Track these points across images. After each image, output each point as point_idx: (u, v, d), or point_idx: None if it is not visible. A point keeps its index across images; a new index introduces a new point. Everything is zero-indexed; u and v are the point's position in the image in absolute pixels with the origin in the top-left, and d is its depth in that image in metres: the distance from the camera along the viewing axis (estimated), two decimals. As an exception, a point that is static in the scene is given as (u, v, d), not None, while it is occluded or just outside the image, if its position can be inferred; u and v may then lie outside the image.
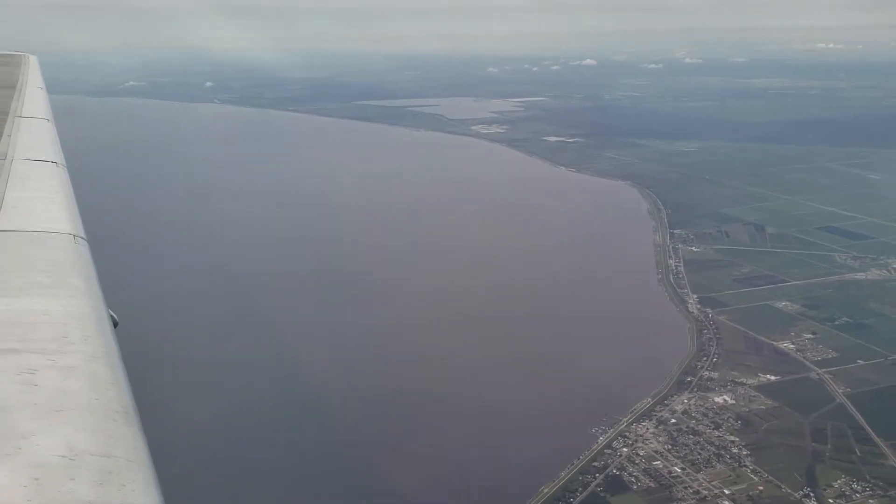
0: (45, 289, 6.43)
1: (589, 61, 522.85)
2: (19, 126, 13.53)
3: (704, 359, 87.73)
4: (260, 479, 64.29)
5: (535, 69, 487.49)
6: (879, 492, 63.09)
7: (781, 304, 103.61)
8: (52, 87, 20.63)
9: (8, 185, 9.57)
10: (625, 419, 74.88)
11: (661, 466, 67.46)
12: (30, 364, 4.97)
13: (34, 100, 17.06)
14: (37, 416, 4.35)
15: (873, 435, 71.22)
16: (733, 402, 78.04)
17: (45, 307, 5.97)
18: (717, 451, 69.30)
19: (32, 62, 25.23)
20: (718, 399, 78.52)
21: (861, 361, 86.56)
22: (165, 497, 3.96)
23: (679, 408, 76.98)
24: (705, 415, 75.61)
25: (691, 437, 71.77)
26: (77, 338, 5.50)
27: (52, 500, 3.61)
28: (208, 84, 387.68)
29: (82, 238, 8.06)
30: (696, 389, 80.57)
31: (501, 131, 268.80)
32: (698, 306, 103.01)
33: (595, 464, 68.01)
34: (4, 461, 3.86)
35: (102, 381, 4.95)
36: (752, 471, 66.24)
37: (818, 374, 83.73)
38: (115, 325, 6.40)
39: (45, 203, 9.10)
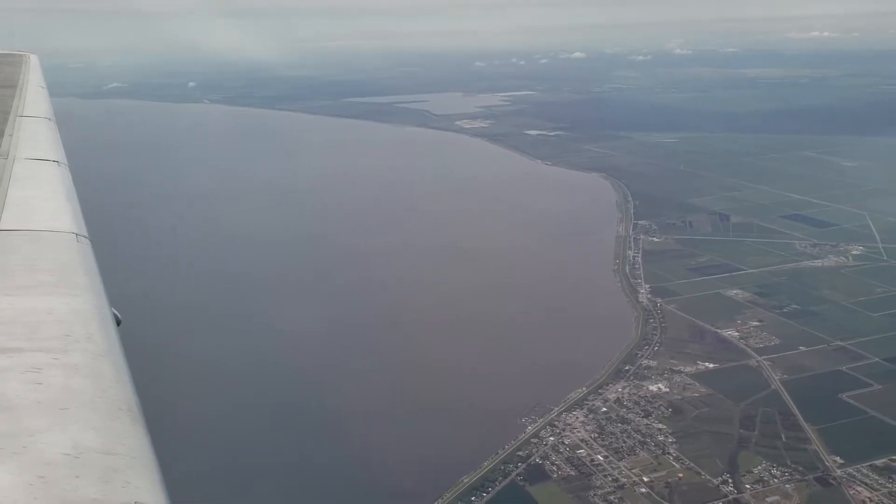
0: (49, 287, 6.41)
1: (578, 54, 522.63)
2: (21, 125, 13.53)
3: (646, 347, 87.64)
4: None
5: (522, 63, 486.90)
6: (798, 476, 63.03)
7: (733, 293, 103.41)
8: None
9: (10, 185, 9.53)
10: (556, 409, 74.92)
11: (584, 455, 67.48)
12: (34, 362, 4.95)
13: (35, 99, 17.00)
14: (42, 414, 4.35)
15: (802, 421, 71.10)
16: (667, 390, 77.97)
17: (49, 306, 5.96)
18: (642, 439, 69.29)
19: (33, 61, 25.08)
20: (653, 387, 78.44)
21: (803, 348, 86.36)
22: (169, 494, 3.96)
23: (612, 396, 76.92)
24: (637, 403, 75.54)
25: (619, 425, 71.73)
26: (81, 336, 5.48)
27: (58, 498, 3.60)
28: (191, 84, 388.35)
29: (85, 237, 8.02)
30: (632, 378, 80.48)
31: (485, 126, 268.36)
32: (649, 296, 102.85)
33: (519, 453, 68.08)
34: (11, 459, 3.86)
35: (106, 379, 4.93)
36: (675, 458, 66.21)
37: (757, 361, 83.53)
38: (119, 323, 6.41)
39: (48, 202, 9.09)
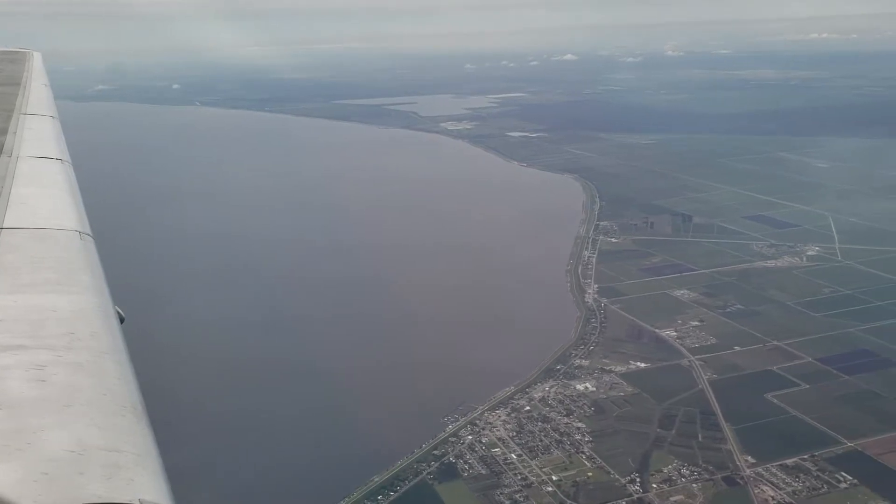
0: (53, 285, 6.43)
1: (569, 56, 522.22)
2: (25, 123, 13.54)
3: (581, 347, 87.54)
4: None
5: (511, 65, 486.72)
6: (706, 476, 62.86)
7: (679, 293, 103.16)
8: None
9: (14, 182, 9.54)
10: (480, 407, 74.87)
11: (499, 454, 67.42)
12: (38, 360, 4.95)
13: (39, 97, 17.03)
14: (46, 411, 4.35)
15: (722, 420, 70.89)
16: (594, 389, 77.87)
17: (53, 304, 5.97)
18: (559, 438, 69.21)
19: (37, 59, 25.13)
20: (580, 387, 78.33)
21: (738, 348, 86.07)
22: (173, 491, 3.96)
23: (538, 395, 76.82)
24: (561, 402, 75.42)
25: (539, 424, 71.64)
26: (85, 334, 5.49)
27: (62, 495, 3.59)
28: (175, 86, 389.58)
29: (88, 235, 8.02)
30: (561, 377, 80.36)
31: (469, 128, 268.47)
32: (595, 296, 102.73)
33: (435, 452, 68.10)
34: (15, 456, 3.86)
35: (110, 377, 4.95)
36: (588, 457, 66.14)
37: (689, 361, 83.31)
38: (122, 321, 6.42)
39: (52, 200, 9.12)
